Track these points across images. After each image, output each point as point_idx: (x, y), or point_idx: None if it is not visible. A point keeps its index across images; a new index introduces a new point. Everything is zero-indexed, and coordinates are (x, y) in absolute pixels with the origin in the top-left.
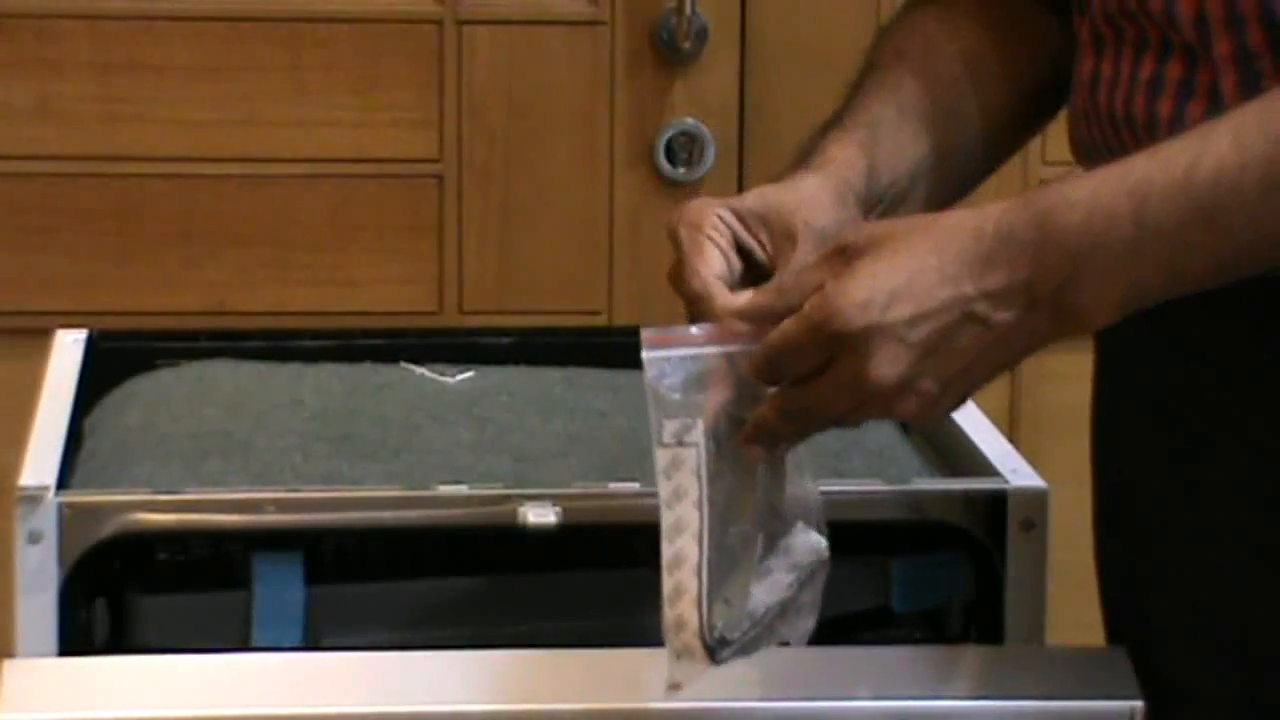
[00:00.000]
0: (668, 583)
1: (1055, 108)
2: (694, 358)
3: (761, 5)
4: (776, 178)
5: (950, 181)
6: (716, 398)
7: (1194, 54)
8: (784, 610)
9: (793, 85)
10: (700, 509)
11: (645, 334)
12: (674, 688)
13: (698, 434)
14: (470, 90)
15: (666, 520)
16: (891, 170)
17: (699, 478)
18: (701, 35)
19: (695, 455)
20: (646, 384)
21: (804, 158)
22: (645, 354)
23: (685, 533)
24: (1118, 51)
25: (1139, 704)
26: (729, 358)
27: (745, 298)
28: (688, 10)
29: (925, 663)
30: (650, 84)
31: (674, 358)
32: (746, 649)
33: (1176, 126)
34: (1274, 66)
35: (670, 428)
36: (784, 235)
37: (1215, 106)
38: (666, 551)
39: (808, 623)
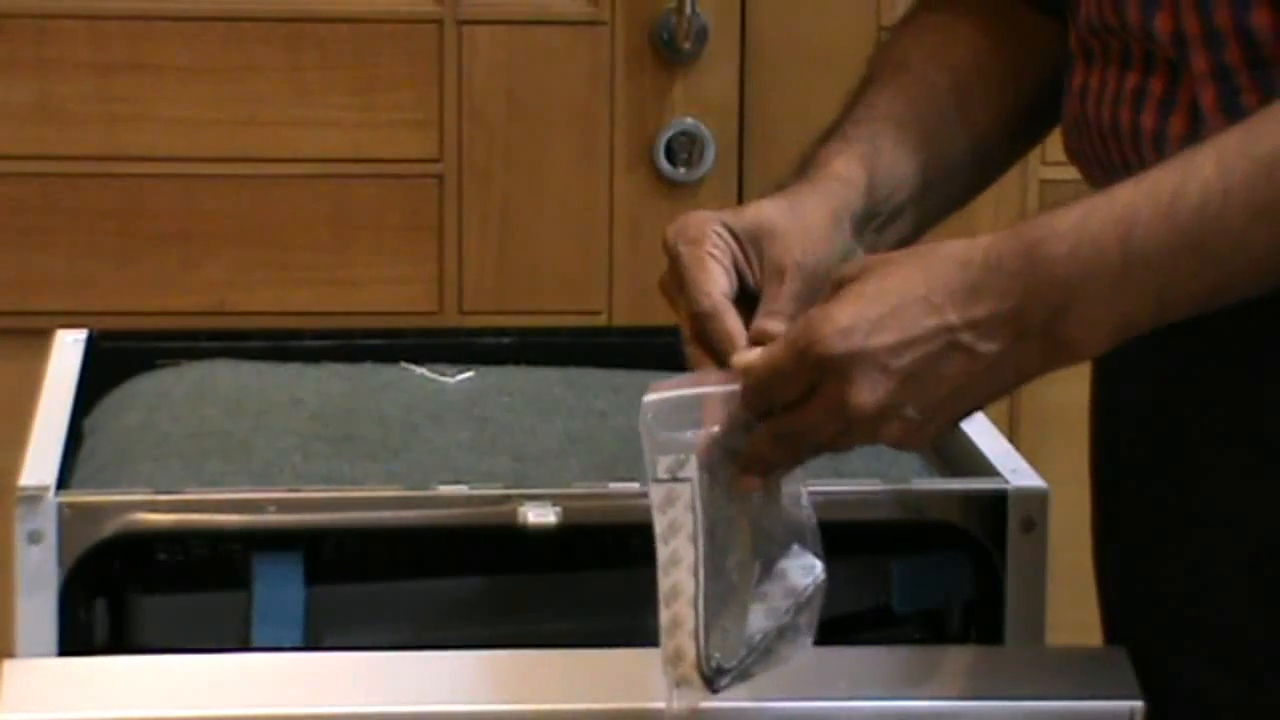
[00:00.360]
0: (664, 615)
1: (1058, 116)
2: (688, 396)
3: (761, 5)
4: (778, 186)
5: (941, 196)
6: (709, 430)
7: (1175, 69)
8: (781, 633)
9: (793, 85)
10: (695, 542)
11: (652, 385)
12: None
13: (691, 469)
14: (470, 90)
15: (662, 554)
16: (889, 185)
17: (693, 511)
18: (701, 35)
19: (689, 490)
20: (641, 423)
21: (805, 168)
22: (645, 398)
23: (681, 565)
24: (1105, 64)
25: (1139, 704)
26: (723, 393)
27: (751, 356)
28: (688, 10)
29: (925, 663)
30: (650, 84)
31: (669, 398)
32: (744, 675)
33: (1159, 140)
34: (1251, 82)
35: (664, 463)
36: (774, 271)
37: (1196, 121)
38: (663, 584)
39: (805, 643)
